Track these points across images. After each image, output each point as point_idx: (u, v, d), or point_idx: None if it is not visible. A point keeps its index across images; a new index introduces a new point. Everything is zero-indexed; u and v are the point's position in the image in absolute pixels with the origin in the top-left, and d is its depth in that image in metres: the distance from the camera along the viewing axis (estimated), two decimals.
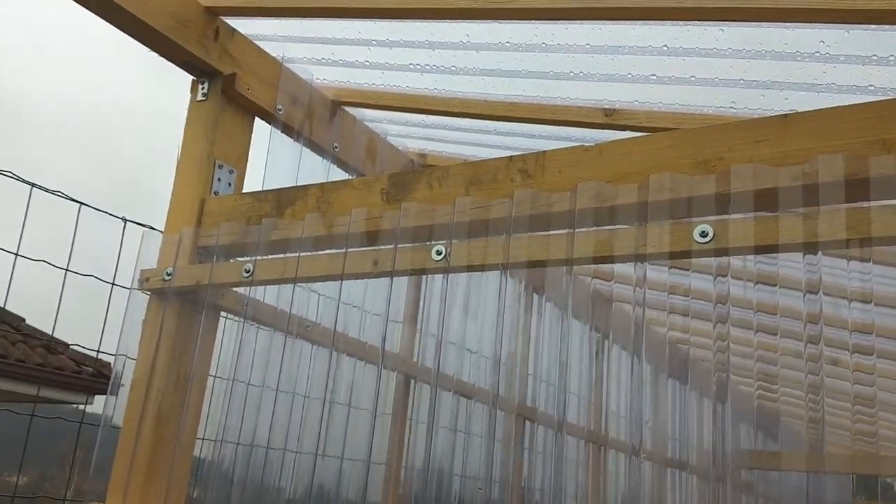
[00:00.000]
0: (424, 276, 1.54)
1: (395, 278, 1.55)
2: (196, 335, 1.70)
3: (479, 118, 2.30)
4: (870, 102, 1.14)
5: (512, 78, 2.02)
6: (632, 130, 1.93)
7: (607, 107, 1.97)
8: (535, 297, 1.84)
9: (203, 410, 1.76)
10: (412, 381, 2.37)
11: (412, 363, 2.30)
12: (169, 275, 1.69)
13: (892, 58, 1.36)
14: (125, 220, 1.99)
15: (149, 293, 1.74)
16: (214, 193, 1.84)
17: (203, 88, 1.93)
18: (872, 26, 1.25)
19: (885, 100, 1.13)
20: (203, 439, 1.74)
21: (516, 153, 1.51)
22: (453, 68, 2.05)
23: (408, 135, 2.64)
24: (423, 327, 1.57)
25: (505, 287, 1.47)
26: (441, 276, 1.48)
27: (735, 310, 1.17)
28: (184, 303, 1.72)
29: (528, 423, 2.47)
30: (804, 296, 1.08)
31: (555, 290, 1.52)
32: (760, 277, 1.15)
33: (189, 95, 1.95)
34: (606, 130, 2.03)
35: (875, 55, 1.36)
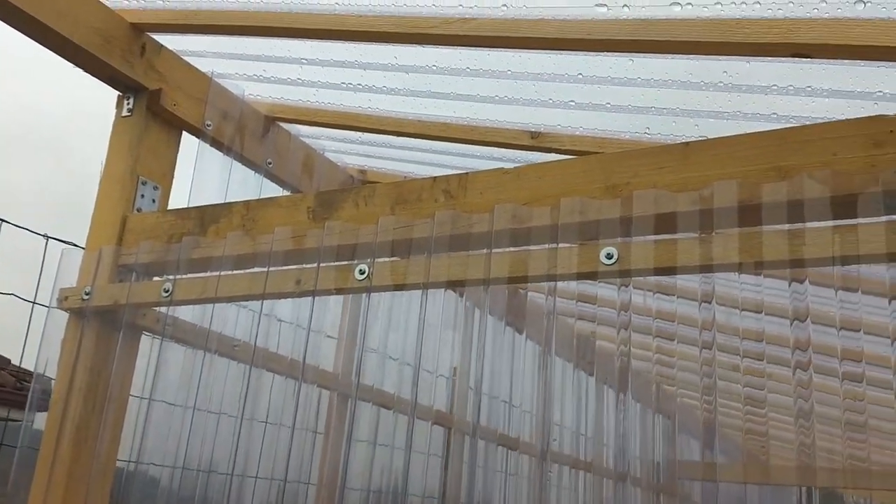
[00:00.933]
0: (360, 294, 1.55)
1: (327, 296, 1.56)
2: (115, 355, 1.68)
3: (413, 137, 2.33)
4: (767, 131, 1.19)
5: (442, 99, 2.05)
6: (557, 153, 1.97)
7: (533, 130, 2.01)
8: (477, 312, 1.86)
9: (125, 431, 1.73)
10: (350, 399, 2.37)
11: (347, 381, 2.30)
12: (88, 294, 1.66)
13: (791, 88, 1.42)
14: (47, 237, 1.95)
15: (68, 312, 1.72)
16: (137, 210, 1.82)
17: (128, 104, 1.91)
18: (770, 58, 1.31)
19: (781, 128, 1.19)
20: (124, 461, 1.72)
21: (452, 171, 1.54)
22: (385, 88, 2.07)
23: (346, 151, 2.66)
24: (361, 343, 1.58)
25: (425, 304, 1.49)
26: (381, 293, 1.50)
27: (636, 317, 1.21)
28: (103, 322, 1.69)
29: (468, 437, 2.48)
30: (699, 305, 1.13)
31: (496, 305, 1.54)
32: (661, 288, 1.20)
33: (114, 111, 1.93)
34: (534, 152, 2.08)
35: (775, 85, 1.43)
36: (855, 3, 1.14)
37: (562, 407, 1.70)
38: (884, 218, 1.06)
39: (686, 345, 1.20)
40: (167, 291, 1.59)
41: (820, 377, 1.08)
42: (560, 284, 1.45)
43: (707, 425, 1.13)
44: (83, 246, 1.83)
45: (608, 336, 1.36)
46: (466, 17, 1.47)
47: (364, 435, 1.54)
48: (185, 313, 1.73)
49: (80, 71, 1.83)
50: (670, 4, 1.25)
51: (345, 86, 2.11)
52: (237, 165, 2.18)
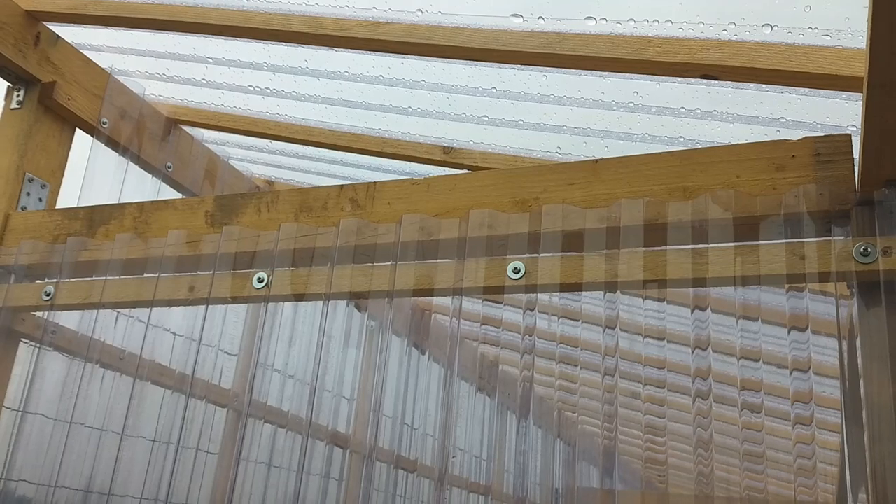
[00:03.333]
0: (260, 305, 1.48)
1: (228, 306, 1.48)
2: None
3: (322, 147, 2.27)
4: (674, 151, 1.20)
5: (354, 108, 2.00)
6: (468, 169, 1.95)
7: (446, 144, 1.99)
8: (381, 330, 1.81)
9: None
10: (239, 416, 2.27)
11: (242, 398, 2.20)
12: None
13: (699, 111, 1.44)
14: None
15: None
16: (22, 209, 1.70)
17: (18, 96, 1.79)
18: (680, 80, 1.33)
19: (688, 149, 1.19)
20: None
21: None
22: (294, 94, 2.01)
23: (252, 160, 2.57)
24: (256, 357, 1.50)
25: (326, 317, 1.43)
26: (281, 303, 1.43)
27: (540, 342, 1.19)
28: None
29: (366, 459, 2.41)
30: (603, 330, 1.11)
31: (400, 325, 1.50)
32: (565, 313, 1.18)
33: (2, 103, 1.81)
34: (446, 168, 2.05)
35: (683, 107, 1.45)
36: (762, 26, 1.16)
37: (466, 430, 1.66)
38: (784, 241, 1.07)
39: (588, 371, 1.18)
40: (48, 295, 1.48)
41: (719, 406, 1.07)
42: (466, 306, 1.43)
43: (607, 452, 1.12)
44: None
45: (511, 360, 1.34)
46: (380, 20, 1.43)
47: (258, 455, 1.46)
48: (71, 320, 1.62)
49: None
50: (585, 18, 1.24)
51: (252, 89, 2.03)
52: (133, 168, 2.07)
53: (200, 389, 1.45)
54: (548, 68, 1.41)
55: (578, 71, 1.39)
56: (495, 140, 1.85)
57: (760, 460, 1.00)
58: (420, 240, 1.35)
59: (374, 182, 1.48)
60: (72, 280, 1.51)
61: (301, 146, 2.32)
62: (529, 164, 1.82)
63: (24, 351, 1.67)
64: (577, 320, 1.16)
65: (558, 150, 1.75)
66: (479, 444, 1.72)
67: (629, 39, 1.27)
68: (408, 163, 2.24)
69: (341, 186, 1.48)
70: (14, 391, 1.63)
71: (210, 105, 2.15)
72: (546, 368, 1.21)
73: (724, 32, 1.20)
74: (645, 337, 1.08)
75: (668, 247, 1.08)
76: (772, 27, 1.16)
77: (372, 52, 1.54)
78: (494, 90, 1.58)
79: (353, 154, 2.30)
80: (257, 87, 1.99)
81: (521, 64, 1.39)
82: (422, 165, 2.21)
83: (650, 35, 1.25)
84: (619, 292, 1.09)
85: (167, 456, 1.46)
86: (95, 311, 1.50)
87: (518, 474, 1.29)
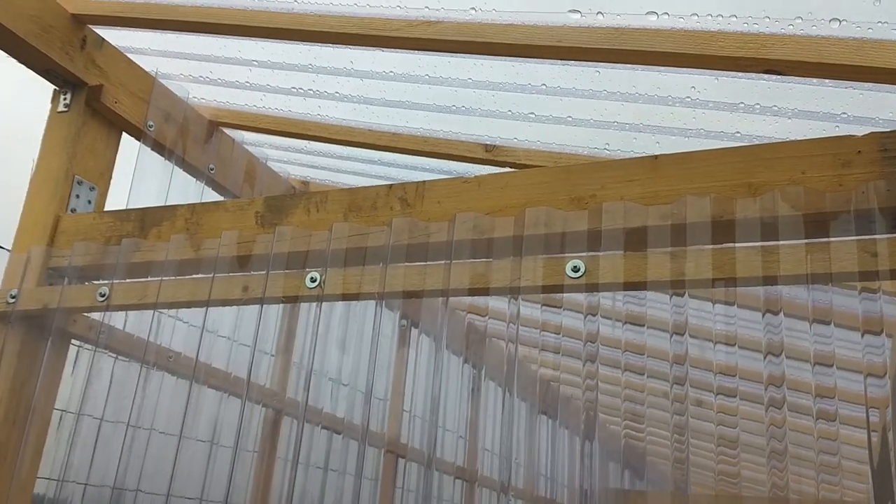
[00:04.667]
0: (299, 305, 1.48)
1: (269, 307, 1.48)
2: (40, 364, 1.56)
3: (362, 147, 2.27)
4: (737, 147, 1.18)
5: (395, 108, 2.00)
6: (511, 167, 1.94)
7: (488, 142, 1.98)
8: (413, 330, 1.80)
9: (48, 446, 1.61)
10: (284, 416, 2.28)
11: (282, 397, 2.21)
12: (13, 297, 1.54)
13: (758, 106, 1.42)
14: None
15: None
16: (71, 211, 1.71)
17: (65, 99, 1.81)
18: (740, 75, 1.31)
19: (752, 145, 1.18)
20: (45, 478, 1.59)
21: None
22: (337, 94, 2.01)
23: (290, 161, 2.58)
24: (297, 359, 1.51)
25: (380, 318, 1.43)
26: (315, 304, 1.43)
27: (604, 348, 1.17)
28: (29, 328, 1.57)
29: (400, 460, 2.41)
30: (671, 336, 1.09)
31: (432, 324, 1.49)
32: (629, 317, 1.16)
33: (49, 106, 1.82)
34: (487, 166, 2.05)
35: (742, 102, 1.43)
36: (830, 20, 1.14)
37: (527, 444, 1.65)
38: (855, 238, 1.05)
39: (656, 379, 1.17)
40: (103, 296, 1.49)
41: (793, 416, 1.05)
42: (494, 306, 1.41)
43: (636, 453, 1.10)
44: (9, 248, 1.71)
45: (542, 361, 1.33)
46: (431, 19, 1.43)
47: (308, 458, 1.46)
48: (118, 322, 1.63)
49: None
50: (646, 13, 1.23)
51: (294, 91, 2.04)
52: (178, 170, 2.09)
53: (254, 391, 1.46)
54: (602, 64, 1.40)
55: (634, 66, 1.38)
56: (540, 137, 1.84)
57: (836, 470, 0.98)
58: (474, 238, 1.34)
59: (424, 181, 1.47)
60: (126, 281, 1.52)
61: (337, 146, 2.33)
62: (577, 161, 1.80)
63: (73, 352, 1.68)
64: (643, 325, 1.14)
65: (607, 146, 1.73)
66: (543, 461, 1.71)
67: (691, 34, 1.25)
68: (448, 161, 2.23)
69: (390, 186, 1.48)
70: (65, 392, 1.64)
71: (252, 107, 2.16)
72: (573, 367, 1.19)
73: (791, 27, 1.18)
74: (716, 343, 1.06)
75: (737, 244, 1.07)
76: (840, 21, 1.14)
77: (420, 52, 1.53)
78: (544, 87, 1.56)
79: (391, 153, 2.30)
80: (300, 88, 2.00)
81: (577, 60, 1.38)
82: (462, 164, 2.20)
83: (713, 30, 1.23)
84: (686, 295, 1.08)
85: (218, 456, 1.47)
86: (142, 312, 1.51)
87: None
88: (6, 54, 1.69)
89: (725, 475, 1.06)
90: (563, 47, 1.33)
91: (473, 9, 1.37)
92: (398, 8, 1.45)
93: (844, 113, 1.37)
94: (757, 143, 1.19)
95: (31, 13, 1.64)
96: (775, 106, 1.41)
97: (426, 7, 1.41)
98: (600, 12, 1.27)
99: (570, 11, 1.29)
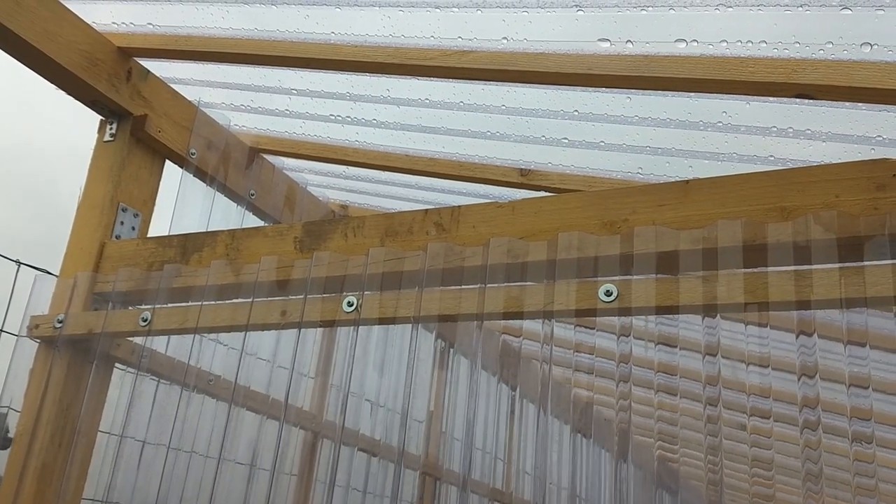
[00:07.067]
0: (337, 329, 1.50)
1: (307, 331, 1.51)
2: (86, 387, 1.61)
3: (399, 172, 2.31)
4: (769, 171, 1.18)
5: (432, 134, 2.03)
6: (546, 191, 1.96)
7: (523, 167, 2.00)
8: (451, 351, 1.82)
9: (93, 468, 1.65)
10: (321, 439, 2.30)
11: (319, 419, 2.23)
12: (60, 322, 1.60)
13: (791, 130, 1.42)
14: (19, 263, 1.88)
15: (38, 341, 1.65)
16: (116, 237, 1.77)
17: (111, 129, 1.87)
18: (771, 99, 1.31)
19: (784, 169, 1.18)
20: (90, 500, 1.63)
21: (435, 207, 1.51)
22: (374, 121, 2.05)
23: (329, 185, 2.62)
24: (332, 381, 1.53)
25: (417, 341, 1.44)
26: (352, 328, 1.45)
27: (637, 369, 1.18)
28: (75, 352, 1.62)
29: (438, 482, 2.42)
30: (703, 357, 1.09)
31: (468, 346, 1.51)
32: (661, 338, 1.16)
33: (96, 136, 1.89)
34: (522, 190, 2.06)
35: (775, 126, 1.43)
36: (861, 45, 1.14)
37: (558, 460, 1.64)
38: (890, 262, 1.04)
39: (689, 400, 1.16)
40: (145, 321, 1.53)
41: (829, 438, 1.04)
42: (528, 327, 1.41)
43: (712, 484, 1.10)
44: (56, 274, 1.77)
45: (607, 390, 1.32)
46: (465, 49, 1.46)
47: (346, 480, 1.48)
48: (160, 346, 1.67)
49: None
50: (675, 41, 1.24)
51: (333, 118, 2.08)
52: (219, 196, 2.14)
53: (292, 414, 1.48)
54: (632, 90, 1.41)
55: (665, 92, 1.39)
56: (574, 161, 1.85)
57: (873, 493, 0.97)
58: (508, 262, 1.35)
59: (459, 206, 1.50)
60: (168, 306, 1.56)
61: (375, 171, 2.36)
62: (610, 185, 1.81)
63: (117, 375, 1.73)
64: (675, 346, 1.14)
65: (640, 170, 1.74)
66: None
67: (720, 60, 1.26)
68: (483, 185, 2.26)
69: (426, 211, 1.50)
70: (109, 414, 1.68)
71: (291, 134, 2.21)
72: (643, 398, 1.19)
73: (821, 52, 1.19)
74: (749, 364, 1.06)
75: (769, 268, 1.06)
76: (871, 45, 1.14)
77: (455, 80, 1.56)
78: (576, 113, 1.58)
79: (428, 178, 2.33)
80: (338, 115, 2.04)
81: (607, 87, 1.40)
82: (497, 188, 2.22)
83: (743, 55, 1.24)
84: (718, 316, 1.08)
85: (258, 479, 1.49)
86: (183, 336, 1.55)
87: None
88: (56, 87, 1.76)
89: (760, 497, 1.05)
90: (595, 75, 1.35)
91: (506, 38, 1.40)
92: (432, 38, 1.48)
93: (879, 136, 1.36)
94: (791, 166, 1.19)
95: (80, 48, 1.71)
96: (808, 129, 1.41)
97: (459, 37, 1.44)
98: (629, 41, 1.28)
99: (599, 40, 1.31)
